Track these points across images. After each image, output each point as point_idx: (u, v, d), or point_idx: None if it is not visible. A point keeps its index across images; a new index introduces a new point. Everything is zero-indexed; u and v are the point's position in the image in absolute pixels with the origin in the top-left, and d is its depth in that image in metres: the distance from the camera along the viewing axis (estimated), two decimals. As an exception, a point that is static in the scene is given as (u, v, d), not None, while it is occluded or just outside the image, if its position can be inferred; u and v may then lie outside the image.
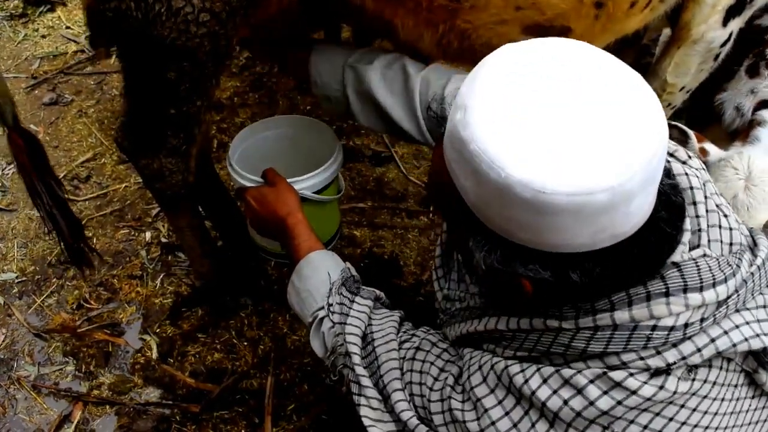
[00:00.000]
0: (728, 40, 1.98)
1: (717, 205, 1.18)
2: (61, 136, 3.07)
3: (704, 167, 1.25)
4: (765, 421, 1.18)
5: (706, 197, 1.18)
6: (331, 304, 1.47)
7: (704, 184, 1.20)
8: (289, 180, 1.83)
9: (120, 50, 1.70)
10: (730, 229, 1.16)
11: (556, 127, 0.91)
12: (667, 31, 2.17)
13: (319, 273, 1.55)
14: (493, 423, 1.12)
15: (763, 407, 1.17)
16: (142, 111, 1.80)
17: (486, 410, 1.14)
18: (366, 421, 1.31)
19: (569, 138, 0.90)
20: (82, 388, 2.22)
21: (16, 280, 2.53)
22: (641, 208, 0.95)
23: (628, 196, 0.91)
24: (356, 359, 1.37)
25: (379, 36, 2.06)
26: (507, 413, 1.12)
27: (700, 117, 1.89)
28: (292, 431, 2.09)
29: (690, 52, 1.99)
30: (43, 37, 3.61)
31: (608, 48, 1.87)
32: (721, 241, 1.15)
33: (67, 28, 3.64)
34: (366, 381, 1.34)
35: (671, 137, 1.25)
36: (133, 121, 1.86)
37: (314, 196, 1.94)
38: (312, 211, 1.86)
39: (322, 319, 1.48)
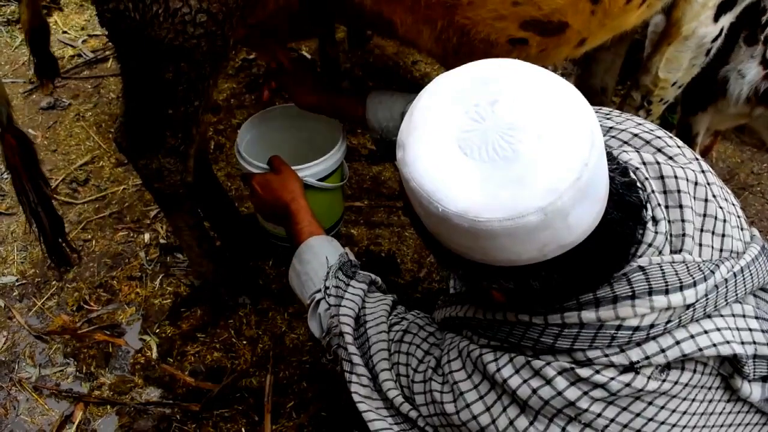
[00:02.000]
0: (719, 35, 1.99)
1: (720, 208, 1.19)
2: (59, 140, 3.09)
3: (710, 170, 1.25)
4: (740, 424, 1.20)
5: (706, 200, 1.19)
6: (328, 287, 1.55)
7: (708, 185, 1.21)
8: (293, 167, 1.89)
9: (118, 51, 1.72)
10: (723, 235, 1.18)
11: (485, 158, 0.95)
12: (656, 22, 2.17)
13: (318, 257, 1.62)
14: (467, 406, 1.19)
15: (739, 411, 1.19)
16: (141, 111, 1.82)
17: (462, 393, 1.20)
18: (356, 397, 1.39)
19: (498, 166, 0.94)
20: (83, 389, 2.23)
21: (17, 283, 2.54)
22: (582, 219, 0.97)
23: (562, 212, 0.93)
24: (349, 339, 1.44)
25: (379, 33, 2.07)
26: (481, 397, 1.18)
27: (703, 94, 1.85)
28: (292, 428, 2.11)
29: (681, 48, 2.01)
30: (40, 41, 3.62)
31: (605, 45, 1.89)
32: (712, 247, 1.17)
33: (64, 32, 3.66)
34: (357, 360, 1.42)
35: None
36: (131, 121, 1.88)
37: (318, 183, 1.99)
38: (316, 198, 1.92)
39: (319, 301, 1.56)
